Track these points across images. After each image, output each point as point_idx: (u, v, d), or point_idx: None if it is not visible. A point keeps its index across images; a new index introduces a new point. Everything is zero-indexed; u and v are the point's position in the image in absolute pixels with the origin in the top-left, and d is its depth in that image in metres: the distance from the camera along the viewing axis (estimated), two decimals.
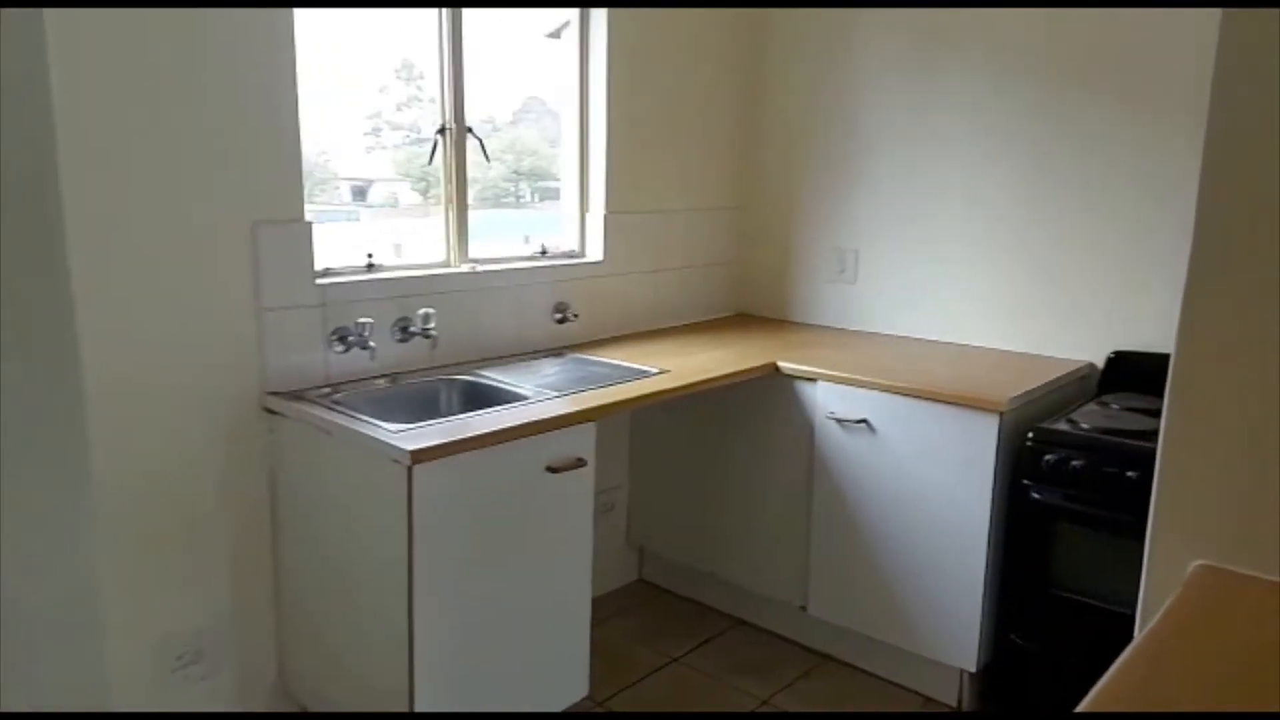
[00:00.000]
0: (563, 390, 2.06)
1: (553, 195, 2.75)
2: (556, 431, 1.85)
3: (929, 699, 2.27)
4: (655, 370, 2.25)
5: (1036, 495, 2.02)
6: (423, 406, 2.04)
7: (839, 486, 2.30)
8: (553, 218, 2.72)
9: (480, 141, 2.34)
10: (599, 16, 2.55)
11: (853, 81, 2.75)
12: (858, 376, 2.24)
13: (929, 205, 2.63)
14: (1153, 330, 2.26)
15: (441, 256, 2.34)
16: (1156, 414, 2.05)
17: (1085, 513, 1.97)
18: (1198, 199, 1.02)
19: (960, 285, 2.60)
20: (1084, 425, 2.02)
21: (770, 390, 2.42)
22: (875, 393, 2.21)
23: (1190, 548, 1.01)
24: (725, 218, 3.04)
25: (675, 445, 2.67)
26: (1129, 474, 1.87)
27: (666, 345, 2.59)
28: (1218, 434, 1.02)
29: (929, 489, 2.14)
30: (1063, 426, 2.02)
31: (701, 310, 3.02)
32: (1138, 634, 1.03)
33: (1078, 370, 2.35)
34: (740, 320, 3.05)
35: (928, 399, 2.13)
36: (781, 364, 2.37)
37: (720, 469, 2.55)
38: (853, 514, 2.28)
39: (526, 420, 1.81)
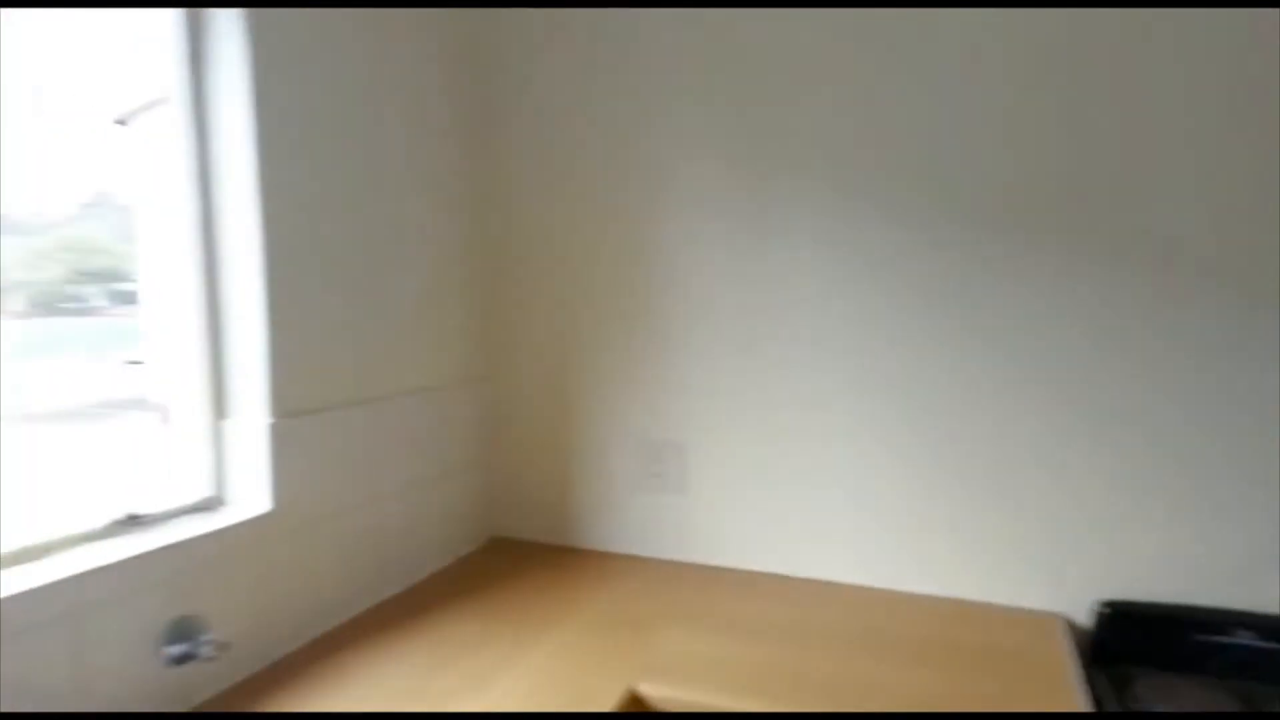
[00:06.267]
0: None
1: (132, 300, 1.44)
2: None
3: None
4: None
5: None
6: None
7: None
8: (133, 327, 1.43)
9: None
10: (225, 78, 1.34)
11: (655, 201, 1.82)
12: None
13: (786, 381, 1.76)
14: (1149, 570, 1.55)
15: None
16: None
17: None
18: None
19: (844, 495, 1.73)
20: None
21: None
22: None
23: None
24: (465, 398, 1.91)
25: None
26: None
27: (402, 667, 1.38)
28: None
29: None
30: None
31: (437, 550, 1.83)
32: None
33: (1046, 628, 1.51)
34: (497, 555, 1.91)
35: None
36: (645, 690, 1.31)
37: None
38: None
39: None
